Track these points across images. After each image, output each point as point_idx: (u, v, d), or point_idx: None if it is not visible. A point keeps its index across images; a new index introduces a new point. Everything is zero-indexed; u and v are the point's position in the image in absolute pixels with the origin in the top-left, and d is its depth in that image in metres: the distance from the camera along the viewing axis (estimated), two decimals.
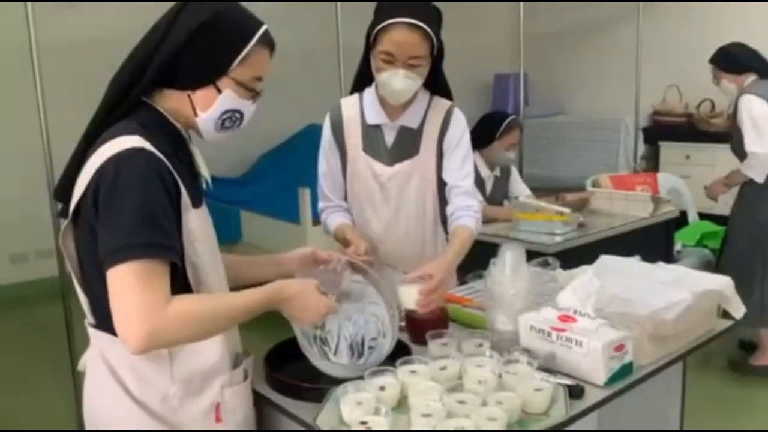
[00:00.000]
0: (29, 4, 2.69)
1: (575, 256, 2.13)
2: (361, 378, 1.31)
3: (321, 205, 1.98)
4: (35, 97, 2.73)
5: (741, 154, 3.18)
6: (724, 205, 3.48)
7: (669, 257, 3.28)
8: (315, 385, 1.34)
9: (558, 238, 2.71)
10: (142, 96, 1.23)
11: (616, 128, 6.01)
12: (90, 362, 1.27)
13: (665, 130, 6.04)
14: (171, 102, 1.24)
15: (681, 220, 4.27)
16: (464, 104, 6.92)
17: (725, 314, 1.68)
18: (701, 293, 1.56)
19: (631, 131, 5.70)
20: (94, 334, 1.25)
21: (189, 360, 1.21)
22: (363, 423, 1.17)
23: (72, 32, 4.32)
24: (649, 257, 1.90)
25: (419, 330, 1.58)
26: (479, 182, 3.24)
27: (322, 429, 1.20)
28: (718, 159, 5.56)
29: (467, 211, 1.86)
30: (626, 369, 1.40)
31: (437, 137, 1.89)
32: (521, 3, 4.84)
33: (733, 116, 3.22)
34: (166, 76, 1.21)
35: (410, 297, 1.57)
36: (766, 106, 3.03)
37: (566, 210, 2.78)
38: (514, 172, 3.44)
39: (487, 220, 3.08)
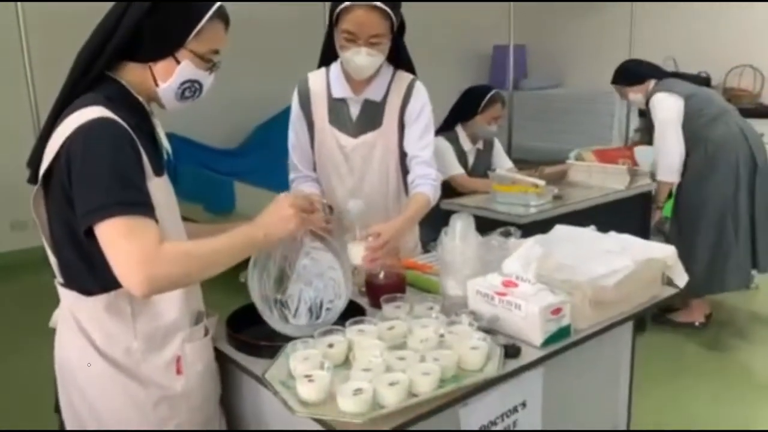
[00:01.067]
0: None
1: (551, 227, 2.19)
2: (312, 336, 1.41)
3: (291, 176, 2.05)
4: (23, 65, 2.83)
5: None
6: None
7: (646, 229, 3.36)
8: (270, 343, 1.44)
9: (532, 209, 2.79)
10: (105, 70, 1.30)
11: (610, 101, 6.03)
12: (60, 319, 1.37)
13: None
14: (133, 75, 1.32)
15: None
16: (464, 75, 7.04)
17: (669, 282, 1.76)
18: (643, 261, 1.64)
19: (626, 105, 5.71)
20: (62, 292, 1.34)
21: (151, 317, 1.31)
22: (307, 376, 1.27)
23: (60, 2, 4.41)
24: (626, 229, 1.94)
25: (377, 294, 1.67)
26: (461, 155, 3.33)
27: (271, 381, 1.30)
28: None
29: (425, 180, 1.94)
30: (563, 332, 1.48)
31: (399, 109, 1.97)
32: None
33: (649, 117, 3.51)
34: (127, 49, 1.29)
35: (357, 253, 1.70)
36: (673, 97, 3.35)
37: (541, 182, 2.85)
38: (497, 145, 3.51)
39: (467, 192, 3.18)
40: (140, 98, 1.34)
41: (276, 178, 4.65)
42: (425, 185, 1.92)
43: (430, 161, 1.97)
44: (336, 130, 1.97)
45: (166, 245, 1.19)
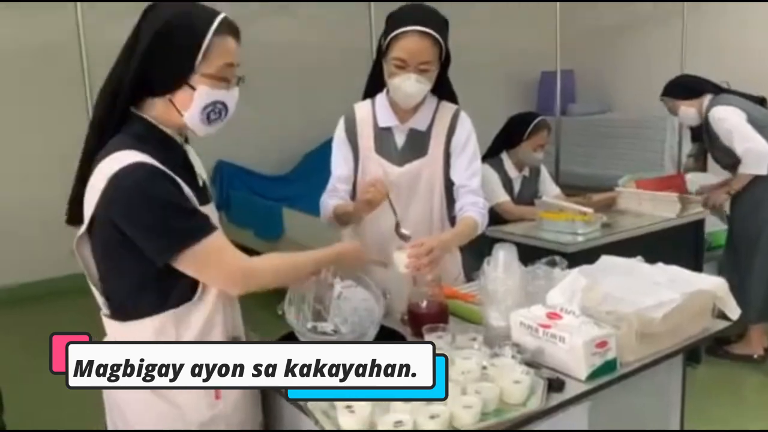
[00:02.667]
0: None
1: (599, 256, 2.15)
2: None
3: (324, 196, 2.05)
4: (85, 99, 2.98)
5: (727, 162, 3.33)
6: None
7: (698, 257, 3.26)
8: None
9: (580, 238, 2.74)
10: (130, 107, 1.33)
11: (661, 126, 5.91)
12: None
13: None
14: (157, 109, 1.34)
15: None
16: (512, 101, 7.07)
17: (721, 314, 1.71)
18: (692, 293, 1.60)
19: (677, 129, 5.60)
20: (108, 323, 1.40)
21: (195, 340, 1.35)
22: (348, 407, 1.27)
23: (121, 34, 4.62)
24: (678, 258, 1.91)
25: (419, 324, 1.67)
26: (507, 182, 3.31)
27: (313, 411, 1.31)
28: None
29: (474, 206, 1.97)
30: (609, 365, 1.45)
31: (445, 139, 1.99)
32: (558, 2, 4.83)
33: (707, 134, 3.38)
34: (143, 86, 1.32)
35: (401, 260, 1.72)
36: (736, 110, 3.20)
37: (589, 210, 2.81)
38: (544, 171, 3.48)
39: (513, 219, 3.16)
40: (168, 131, 1.36)
41: None
42: (473, 211, 1.95)
43: (478, 190, 1.99)
44: (382, 158, 2.00)
45: (254, 262, 1.37)
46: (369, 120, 2.01)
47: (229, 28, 1.33)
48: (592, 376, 1.43)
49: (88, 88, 3.15)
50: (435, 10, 1.90)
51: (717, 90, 3.44)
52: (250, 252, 1.46)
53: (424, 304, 1.75)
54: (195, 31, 1.29)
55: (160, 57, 1.29)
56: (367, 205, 1.87)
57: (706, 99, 3.38)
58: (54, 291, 4.65)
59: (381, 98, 2.02)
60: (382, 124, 2.00)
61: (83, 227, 1.34)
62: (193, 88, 1.31)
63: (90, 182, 1.30)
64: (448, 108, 2.02)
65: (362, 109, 2.04)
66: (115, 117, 1.33)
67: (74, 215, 1.37)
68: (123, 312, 1.35)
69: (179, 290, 1.32)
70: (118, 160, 1.25)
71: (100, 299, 1.40)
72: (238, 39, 1.35)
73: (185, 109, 1.32)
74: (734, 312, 1.67)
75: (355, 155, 2.02)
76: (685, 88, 3.48)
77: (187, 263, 1.28)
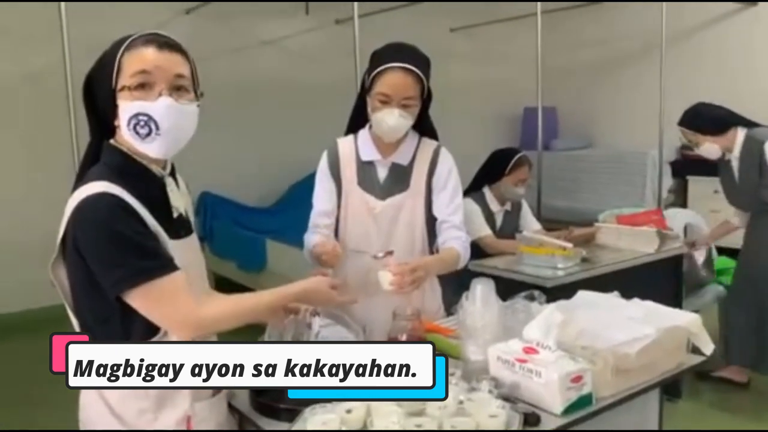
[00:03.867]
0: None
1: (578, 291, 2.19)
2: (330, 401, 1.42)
3: (307, 233, 2.06)
4: (69, 122, 2.99)
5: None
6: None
7: (678, 293, 3.30)
8: (290, 407, 1.45)
9: (560, 272, 2.77)
10: (103, 138, 1.36)
11: (642, 161, 6.03)
12: None
13: (693, 164, 6.01)
14: (121, 136, 1.34)
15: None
16: (495, 136, 7.19)
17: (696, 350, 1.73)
18: (667, 329, 1.62)
19: (658, 164, 5.70)
20: None
21: None
22: None
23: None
24: (657, 293, 1.94)
25: None
26: (489, 216, 3.35)
27: None
28: None
29: (457, 240, 2.01)
30: (585, 400, 1.47)
31: (426, 174, 2.03)
32: (539, 39, 4.96)
33: (746, 167, 3.23)
34: (101, 120, 1.36)
35: (386, 279, 1.75)
36: None
37: (568, 245, 2.84)
38: (525, 206, 3.52)
39: (495, 253, 3.18)
40: (144, 162, 1.35)
41: None
42: (456, 243, 2.00)
43: (461, 225, 2.03)
44: (364, 192, 2.02)
45: (213, 297, 1.36)
46: (352, 154, 2.05)
47: (146, 41, 1.30)
48: (568, 410, 1.44)
49: (73, 118, 3.17)
50: (417, 49, 1.96)
51: (747, 122, 3.27)
52: (233, 284, 1.47)
53: (404, 337, 1.75)
54: (110, 56, 1.31)
55: (95, 89, 1.34)
56: (327, 265, 1.91)
57: (738, 132, 3.21)
58: (33, 321, 4.59)
59: (364, 133, 2.06)
60: (365, 158, 2.03)
61: (55, 252, 1.34)
62: (118, 106, 1.31)
63: (65, 209, 1.31)
64: (429, 144, 2.06)
65: (345, 143, 2.07)
66: (93, 147, 1.37)
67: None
68: (93, 339, 1.34)
69: (143, 324, 1.30)
70: (88, 189, 1.27)
71: (75, 326, 1.40)
72: (168, 50, 1.31)
73: (122, 130, 1.32)
74: (708, 347, 1.70)
75: (338, 189, 2.05)
76: (713, 121, 3.22)
77: (138, 300, 1.26)
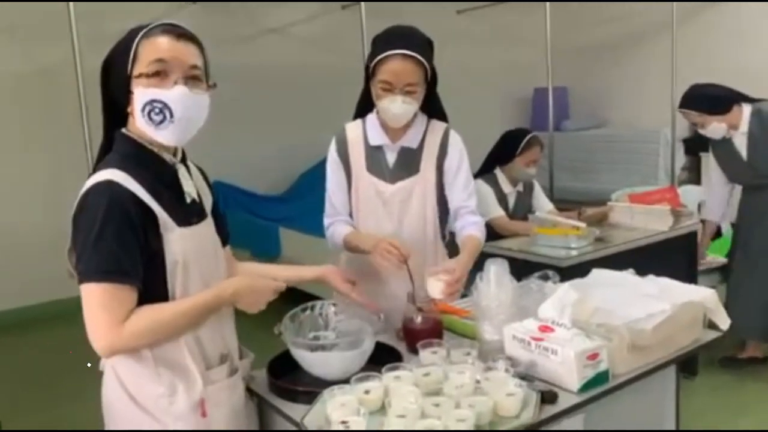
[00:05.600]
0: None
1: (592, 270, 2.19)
2: (348, 382, 1.44)
3: (327, 220, 2.10)
4: (81, 117, 3.01)
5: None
6: None
7: (692, 270, 3.28)
8: (308, 389, 1.47)
9: (573, 252, 2.77)
10: (116, 127, 1.38)
11: (655, 140, 5.97)
12: (104, 363, 1.44)
13: (706, 141, 5.93)
14: (131, 123, 1.36)
15: (717, 232, 4.24)
16: (506, 118, 7.17)
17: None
18: (682, 305, 1.62)
19: (671, 143, 5.65)
20: None
21: (170, 362, 1.37)
22: (343, 422, 1.29)
23: None
24: (671, 270, 1.94)
25: (414, 340, 1.69)
26: (501, 198, 3.34)
27: (308, 427, 1.32)
28: None
29: (475, 225, 2.02)
30: (601, 377, 1.47)
31: (436, 157, 2.03)
32: (548, 19, 4.92)
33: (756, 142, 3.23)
34: (114, 107, 1.37)
35: (437, 288, 1.75)
36: None
37: (582, 224, 2.84)
38: (537, 187, 3.51)
39: (507, 234, 3.18)
40: (155, 149, 1.37)
41: (320, 224, 4.78)
42: (475, 229, 2.00)
43: (476, 209, 2.05)
44: (373, 176, 2.03)
45: (131, 320, 1.28)
46: (360, 139, 2.05)
47: (163, 30, 1.32)
48: (585, 387, 1.45)
49: (85, 113, 3.19)
50: (418, 32, 1.94)
51: (748, 98, 3.26)
52: None
53: (419, 319, 1.77)
54: (126, 43, 1.32)
55: (109, 79, 1.36)
56: (379, 261, 1.87)
57: (743, 109, 3.21)
58: (52, 313, 4.66)
59: (371, 118, 2.05)
60: (373, 143, 2.03)
61: (70, 240, 1.36)
62: (133, 93, 1.32)
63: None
64: (438, 126, 2.06)
65: (353, 129, 2.07)
66: (107, 136, 1.39)
67: None
68: None
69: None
70: (97, 177, 1.30)
71: None
72: (184, 40, 1.33)
73: (135, 116, 1.33)
74: (725, 322, 1.70)
75: (347, 174, 2.05)
76: (714, 100, 3.21)
77: (84, 296, 1.28)
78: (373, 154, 2.04)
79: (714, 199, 3.49)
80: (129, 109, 1.35)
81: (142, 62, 1.30)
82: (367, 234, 1.99)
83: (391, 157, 2.04)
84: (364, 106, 2.06)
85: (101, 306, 1.27)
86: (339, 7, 5.82)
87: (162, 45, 1.31)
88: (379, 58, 1.87)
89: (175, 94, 1.30)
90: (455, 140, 2.05)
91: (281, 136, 5.85)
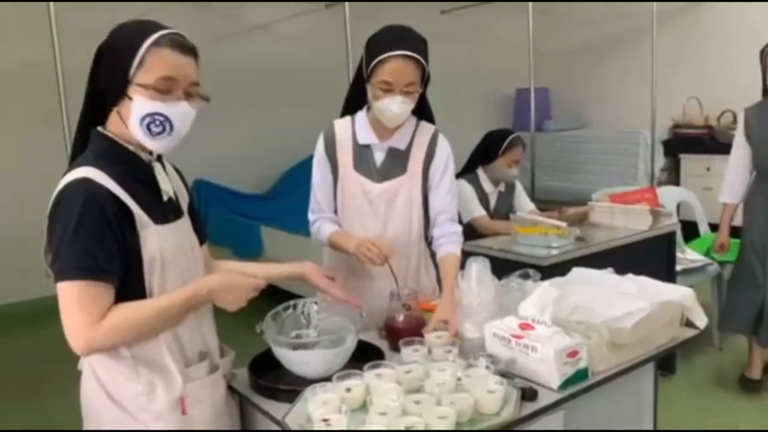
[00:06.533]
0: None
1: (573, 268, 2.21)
2: (330, 380, 1.44)
3: (312, 216, 2.09)
4: (60, 113, 2.97)
5: None
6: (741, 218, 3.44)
7: (670, 269, 3.33)
8: (289, 387, 1.47)
9: (554, 251, 2.79)
10: (93, 125, 1.37)
11: (635, 141, 6.04)
12: (82, 363, 1.43)
13: (685, 143, 6.05)
14: (112, 123, 1.36)
15: (694, 232, 4.31)
16: (489, 118, 7.19)
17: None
18: (661, 303, 1.64)
19: (650, 144, 5.72)
20: None
21: (149, 360, 1.36)
22: (325, 420, 1.29)
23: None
24: (650, 269, 1.96)
25: (396, 338, 1.70)
26: (483, 197, 3.36)
27: (290, 425, 1.32)
28: None
29: (453, 237, 2.04)
30: (581, 374, 1.49)
31: (424, 159, 2.04)
32: (530, 20, 4.96)
33: None
34: (99, 102, 1.35)
35: (437, 344, 1.65)
36: None
37: (562, 224, 2.86)
38: (519, 187, 3.54)
39: (489, 234, 3.20)
40: (131, 147, 1.37)
41: (302, 222, 4.74)
42: (453, 244, 2.03)
43: (455, 216, 2.07)
44: (360, 175, 2.03)
45: (108, 318, 1.27)
46: (348, 137, 2.05)
47: (172, 42, 1.31)
48: (565, 384, 1.46)
49: (64, 110, 3.16)
50: (414, 32, 1.94)
51: None
52: None
53: (401, 318, 1.78)
54: (131, 43, 1.30)
55: (102, 70, 1.33)
56: (361, 259, 1.89)
57: None
58: (31, 312, 4.61)
59: (361, 116, 2.05)
60: (362, 141, 2.03)
61: (45, 239, 1.34)
62: (131, 99, 1.31)
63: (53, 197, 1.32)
64: (427, 128, 2.07)
65: (341, 125, 2.07)
66: (83, 133, 1.37)
67: None
68: None
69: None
70: (72, 175, 1.29)
71: None
72: (189, 55, 1.34)
73: (128, 121, 1.33)
74: (702, 321, 1.72)
75: (334, 172, 2.05)
76: None
77: (60, 294, 1.27)
78: (361, 153, 2.04)
79: (737, 179, 3.30)
80: (115, 109, 1.34)
81: (149, 73, 1.29)
82: (351, 235, 1.99)
83: (378, 157, 2.04)
84: (353, 104, 2.06)
85: (77, 304, 1.26)
86: (323, 5, 5.82)
87: (171, 60, 1.31)
88: (380, 58, 1.87)
89: (178, 110, 1.32)
90: (443, 144, 2.06)
91: (264, 134, 5.83)
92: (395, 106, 1.89)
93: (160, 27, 1.33)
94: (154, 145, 1.34)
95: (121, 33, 1.33)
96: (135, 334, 1.33)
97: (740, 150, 3.28)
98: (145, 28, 1.32)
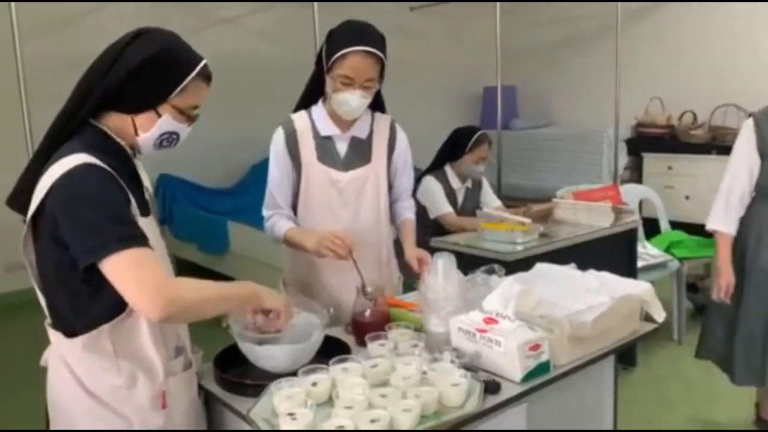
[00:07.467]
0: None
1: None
2: (296, 375, 1.44)
3: (267, 212, 2.08)
4: (21, 109, 2.91)
5: None
6: (703, 215, 3.37)
7: (632, 265, 3.40)
8: (255, 382, 1.47)
9: (519, 247, 2.83)
10: (89, 117, 1.37)
11: (599, 140, 6.14)
12: (50, 359, 1.41)
13: (648, 141, 6.16)
14: (115, 122, 1.38)
15: (655, 228, 4.41)
16: (456, 115, 7.21)
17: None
18: (621, 298, 1.69)
19: (614, 143, 5.82)
20: (51, 332, 1.39)
21: (132, 353, 1.35)
22: (290, 414, 1.30)
23: (57, 45, 4.54)
24: (612, 265, 2.00)
25: (362, 333, 1.71)
26: (451, 194, 3.39)
27: (255, 420, 1.32)
28: (699, 169, 5.72)
29: (411, 208, 2.24)
30: (543, 367, 1.52)
31: (387, 147, 2.10)
32: (498, 18, 5.02)
33: None
34: (111, 99, 1.35)
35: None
36: None
37: (527, 220, 2.90)
38: (486, 184, 3.57)
39: (456, 230, 3.23)
40: (122, 142, 1.40)
41: None
42: (410, 211, 2.22)
43: (411, 191, 2.27)
44: (326, 166, 2.04)
45: (180, 279, 1.32)
46: (308, 130, 2.05)
47: (207, 75, 1.42)
48: (527, 377, 1.49)
49: (24, 101, 3.08)
50: (374, 27, 1.97)
51: None
52: (195, 267, 1.46)
53: (368, 313, 1.79)
54: (181, 68, 1.37)
55: (142, 80, 1.34)
56: (324, 254, 1.90)
57: None
58: None
59: (318, 109, 2.07)
60: (324, 133, 2.05)
61: (24, 230, 1.34)
62: (159, 115, 1.38)
63: (39, 182, 1.30)
64: (383, 118, 2.13)
65: (300, 119, 2.07)
66: (72, 125, 1.36)
67: (17, 201, 1.38)
68: (61, 324, 1.35)
69: (109, 304, 1.30)
70: (70, 162, 1.27)
71: (43, 305, 1.40)
72: (209, 85, 1.44)
73: (144, 131, 1.38)
74: (660, 315, 1.77)
75: (296, 166, 2.05)
76: None
77: (115, 267, 1.24)
78: (324, 145, 2.05)
79: (736, 201, 2.54)
80: (131, 115, 1.37)
81: (186, 99, 1.39)
82: (309, 231, 1.99)
83: (341, 147, 2.06)
84: (311, 96, 2.08)
85: (143, 266, 1.24)
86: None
87: (204, 93, 1.43)
88: (342, 52, 1.89)
89: (187, 130, 1.45)
90: (401, 132, 2.16)
91: (231, 128, 5.77)
92: (354, 101, 1.93)
93: (199, 56, 1.42)
94: (150, 153, 1.43)
95: (173, 54, 1.38)
96: (200, 304, 1.33)
97: (745, 164, 2.50)
98: (192, 55, 1.40)
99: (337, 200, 2.05)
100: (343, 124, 2.04)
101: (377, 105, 2.11)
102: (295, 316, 1.64)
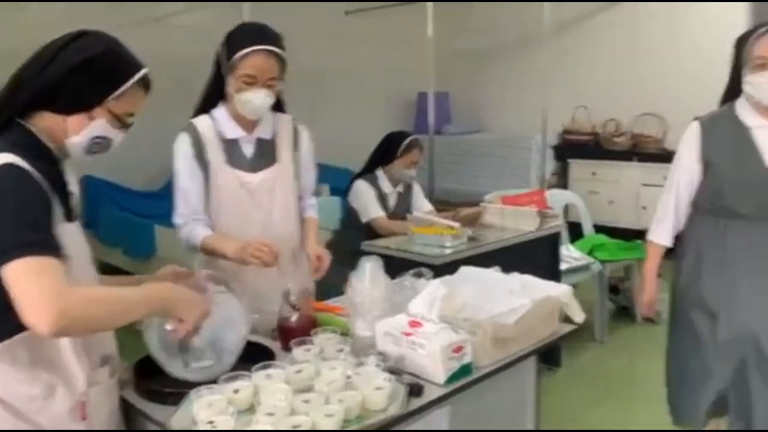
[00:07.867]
0: None
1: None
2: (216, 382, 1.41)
3: (180, 220, 2.04)
4: None
5: None
6: (624, 220, 3.51)
7: (555, 268, 3.51)
8: (175, 390, 1.43)
9: (448, 250, 2.87)
10: (17, 116, 1.31)
11: (528, 145, 6.31)
12: None
13: (574, 148, 6.38)
14: (44, 123, 1.32)
15: (580, 232, 4.56)
16: (391, 119, 7.23)
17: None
18: (541, 299, 1.74)
19: (542, 149, 5.99)
20: None
21: (51, 362, 1.29)
22: (210, 422, 1.27)
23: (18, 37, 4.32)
24: (537, 268, 2.06)
25: (289, 338, 1.69)
26: (382, 197, 3.41)
27: (174, 429, 1.29)
28: (622, 175, 5.96)
29: (314, 207, 2.26)
30: (465, 369, 1.54)
31: (291, 146, 2.13)
32: (430, 22, 5.09)
33: None
34: (43, 98, 1.30)
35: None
36: None
37: (456, 224, 2.95)
38: (417, 187, 3.61)
39: (387, 234, 3.25)
40: (50, 145, 1.34)
41: None
42: (313, 209, 2.24)
43: (313, 190, 2.29)
44: (234, 169, 2.03)
45: (76, 287, 1.22)
46: (213, 134, 2.03)
47: (145, 83, 1.39)
48: (450, 379, 1.51)
49: None
50: (273, 30, 2.00)
51: None
52: (122, 272, 1.41)
53: (294, 318, 1.77)
54: (123, 72, 1.35)
55: (82, 78, 1.31)
56: (249, 261, 1.88)
57: None
58: None
59: (220, 112, 2.05)
60: (229, 135, 2.04)
61: None
62: (92, 118, 1.34)
63: None
64: (285, 118, 2.15)
65: (202, 124, 2.05)
66: (0, 121, 1.30)
67: None
68: None
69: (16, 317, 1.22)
70: None
71: None
72: (147, 94, 1.42)
73: (75, 133, 1.34)
74: (579, 316, 1.83)
75: (204, 171, 2.02)
76: None
77: (13, 273, 1.17)
78: (230, 148, 2.04)
79: (679, 211, 2.27)
80: (62, 116, 1.32)
81: (122, 105, 1.36)
82: (227, 238, 1.97)
83: (248, 150, 2.06)
84: (212, 99, 2.07)
85: (40, 273, 1.16)
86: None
87: (141, 100, 1.40)
88: (244, 52, 1.91)
89: (120, 136, 1.41)
90: (305, 131, 2.18)
91: (157, 129, 5.60)
92: (258, 99, 1.94)
93: (141, 64, 1.39)
94: (80, 157, 1.38)
95: (113, 59, 1.35)
96: (104, 312, 1.24)
97: (684, 174, 2.23)
98: (134, 61, 1.37)
99: (249, 202, 2.04)
100: (248, 125, 2.04)
101: (278, 106, 2.12)
102: (222, 295, 1.60)
